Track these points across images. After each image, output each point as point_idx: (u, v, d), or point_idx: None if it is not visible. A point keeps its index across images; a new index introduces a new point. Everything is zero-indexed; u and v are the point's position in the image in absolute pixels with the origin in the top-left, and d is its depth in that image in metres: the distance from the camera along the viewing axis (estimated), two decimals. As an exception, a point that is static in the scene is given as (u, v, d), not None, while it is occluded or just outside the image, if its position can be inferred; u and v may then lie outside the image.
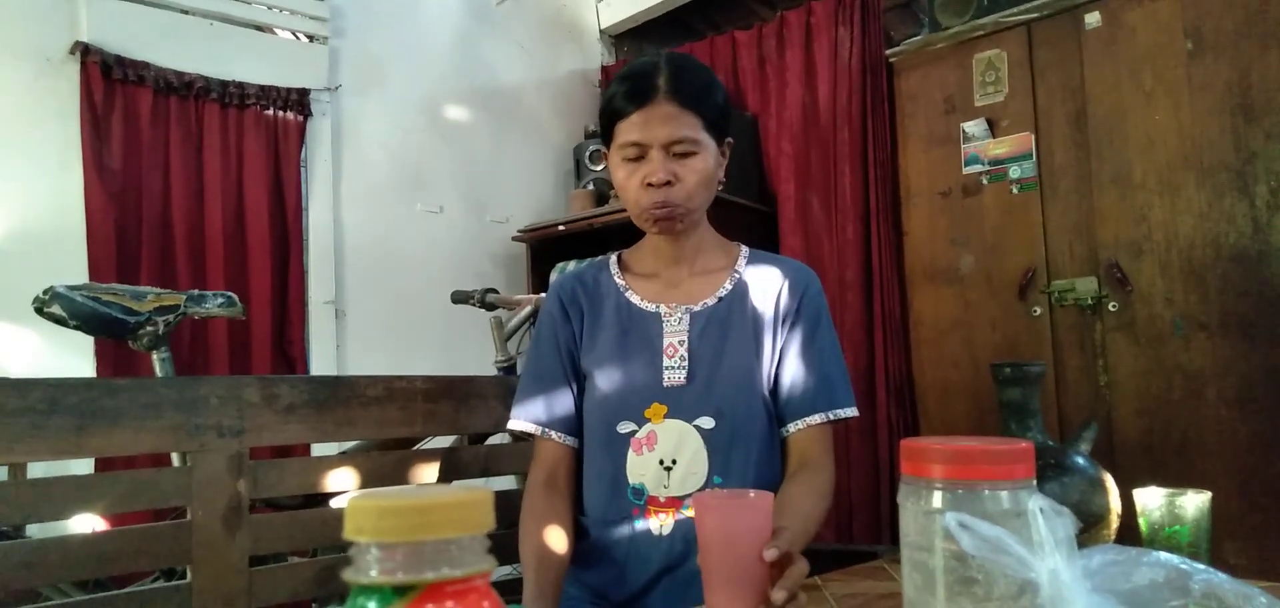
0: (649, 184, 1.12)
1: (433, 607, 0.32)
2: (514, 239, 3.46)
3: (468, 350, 3.02)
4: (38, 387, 1.07)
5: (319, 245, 2.94)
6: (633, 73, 1.14)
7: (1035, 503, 0.51)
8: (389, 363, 3.00)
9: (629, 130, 1.12)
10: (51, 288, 1.25)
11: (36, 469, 1.65)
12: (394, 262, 3.14)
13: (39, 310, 1.25)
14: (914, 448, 0.59)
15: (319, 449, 2.13)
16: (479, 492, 0.35)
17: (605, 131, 1.19)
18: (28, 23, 2.39)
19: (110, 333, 1.32)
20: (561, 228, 3.30)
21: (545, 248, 3.41)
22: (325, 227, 2.96)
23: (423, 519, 0.33)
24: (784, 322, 1.18)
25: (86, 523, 1.75)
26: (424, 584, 0.32)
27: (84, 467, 1.84)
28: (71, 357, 2.35)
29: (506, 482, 1.90)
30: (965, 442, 0.57)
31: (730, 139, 1.20)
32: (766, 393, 1.16)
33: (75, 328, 1.26)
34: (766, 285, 1.20)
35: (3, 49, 2.35)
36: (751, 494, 0.80)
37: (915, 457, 0.59)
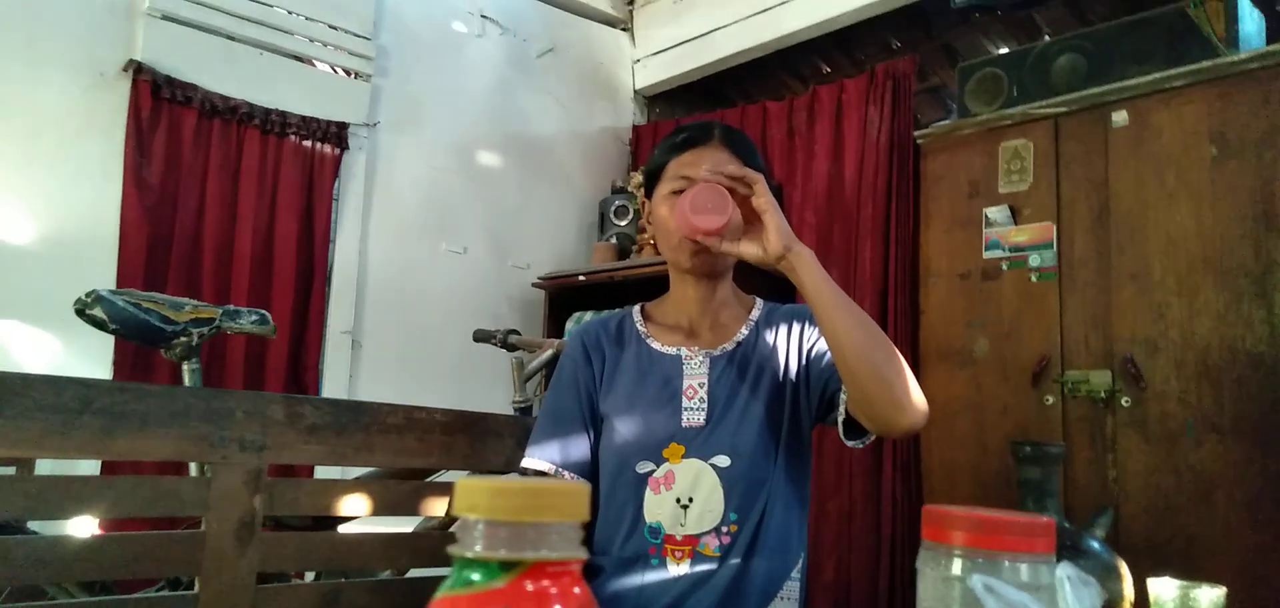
0: None
1: (532, 583, 0.34)
2: (534, 285, 3.50)
3: (477, 391, 3.04)
4: (71, 386, 1.08)
5: (342, 276, 2.99)
6: (688, 126, 1.23)
7: (1063, 572, 0.52)
8: (399, 397, 2.99)
9: (681, 166, 1.19)
10: (95, 291, 1.28)
11: (42, 467, 1.66)
12: (414, 298, 3.18)
13: (80, 312, 1.29)
14: (936, 514, 0.60)
15: (321, 472, 2.14)
16: (579, 485, 0.37)
17: (652, 176, 1.25)
18: (86, 38, 2.48)
19: (146, 340, 1.35)
20: (582, 278, 3.34)
21: (564, 296, 3.44)
22: (350, 258, 3.01)
23: (530, 502, 0.35)
24: (804, 342, 1.22)
25: (84, 525, 1.76)
26: (528, 562, 0.35)
27: (90, 467, 1.86)
28: (89, 362, 2.38)
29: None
30: (988, 512, 0.59)
31: None
32: (803, 403, 1.19)
33: (113, 332, 1.29)
34: (781, 325, 1.24)
35: (59, 61, 2.44)
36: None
37: (937, 522, 0.60)
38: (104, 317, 1.27)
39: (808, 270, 1.06)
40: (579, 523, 0.36)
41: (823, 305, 1.05)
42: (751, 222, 1.10)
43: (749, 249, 1.08)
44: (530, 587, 0.35)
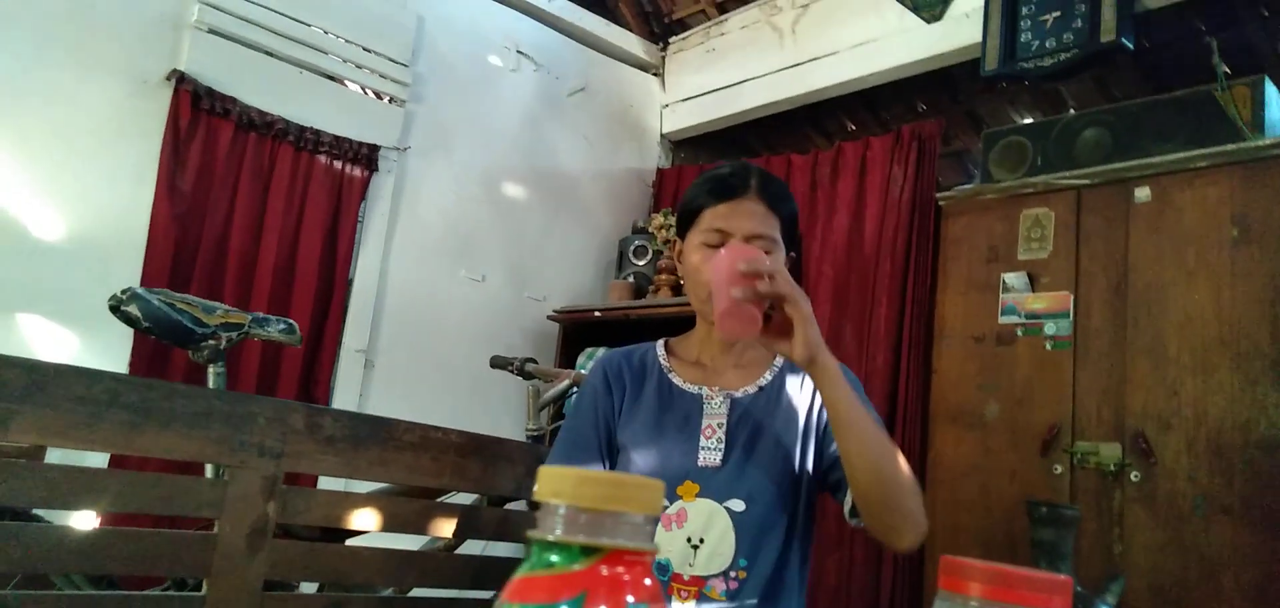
0: None
1: (608, 569, 0.36)
2: (549, 317, 3.52)
3: (486, 417, 3.05)
4: (103, 379, 1.10)
5: (361, 295, 3.02)
6: (724, 172, 1.22)
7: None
8: (407, 418, 3.03)
9: (714, 218, 1.19)
10: (130, 288, 1.31)
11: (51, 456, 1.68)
12: (429, 322, 3.21)
13: (115, 308, 1.31)
14: (955, 564, 0.61)
15: (324, 484, 2.15)
16: (655, 481, 0.38)
17: (685, 220, 1.25)
18: (132, 45, 2.55)
19: (176, 340, 1.37)
20: (597, 314, 3.36)
21: (578, 331, 3.46)
22: (371, 278, 3.05)
23: (611, 492, 0.37)
24: (823, 408, 1.20)
25: (87, 519, 1.77)
26: (606, 549, 0.36)
27: (96, 460, 1.88)
28: (107, 360, 2.42)
29: (515, 550, 1.90)
30: (1007, 566, 0.59)
31: (795, 253, 1.27)
32: (811, 480, 1.18)
33: (145, 330, 1.32)
34: (805, 380, 1.24)
35: (105, 66, 2.51)
36: None
37: (955, 573, 0.61)
38: (138, 314, 1.30)
39: (830, 385, 1.06)
40: (653, 517, 0.38)
41: (840, 420, 1.06)
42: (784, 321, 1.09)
43: (779, 344, 1.08)
44: (605, 572, 0.36)
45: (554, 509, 0.37)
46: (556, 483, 0.37)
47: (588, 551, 0.36)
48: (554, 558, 0.37)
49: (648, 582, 0.37)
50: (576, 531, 0.37)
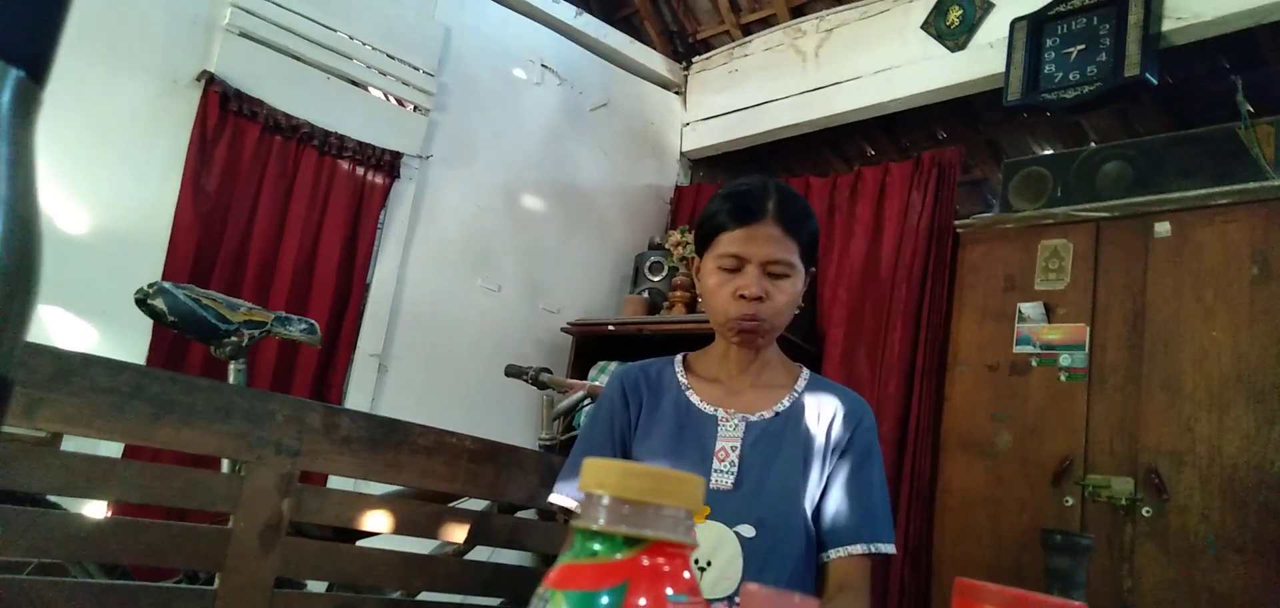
0: (741, 296, 1.16)
1: (649, 560, 0.37)
2: (562, 330, 3.53)
3: (496, 426, 3.05)
4: (127, 370, 1.12)
5: (378, 299, 3.05)
6: (742, 191, 1.20)
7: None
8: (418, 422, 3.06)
9: (731, 243, 1.17)
10: (157, 283, 1.33)
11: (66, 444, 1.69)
12: (443, 329, 3.22)
13: (141, 302, 1.33)
14: (970, 587, 0.61)
15: (335, 485, 2.16)
16: (696, 477, 0.40)
17: (703, 240, 1.24)
18: (165, 45, 2.60)
19: (200, 335, 1.39)
20: (610, 327, 3.37)
21: (590, 344, 3.47)
22: (388, 284, 3.07)
23: (654, 485, 0.38)
24: (835, 450, 1.20)
25: (97, 508, 1.78)
26: (648, 541, 0.38)
27: (111, 450, 1.89)
28: (124, 354, 2.43)
29: (524, 558, 1.90)
30: (1023, 591, 0.60)
31: (815, 268, 1.26)
32: (809, 516, 1.17)
33: (171, 324, 1.34)
34: (822, 411, 1.23)
35: (136, 64, 2.55)
36: (797, 597, 0.82)
37: (970, 595, 0.61)
38: (164, 308, 1.32)
39: None
40: (692, 514, 0.39)
41: None
42: None
43: None
44: (646, 563, 0.37)
45: (598, 500, 0.38)
46: (601, 474, 0.38)
47: (630, 541, 0.37)
48: (597, 547, 0.38)
49: (686, 575, 0.38)
50: (620, 521, 0.38)
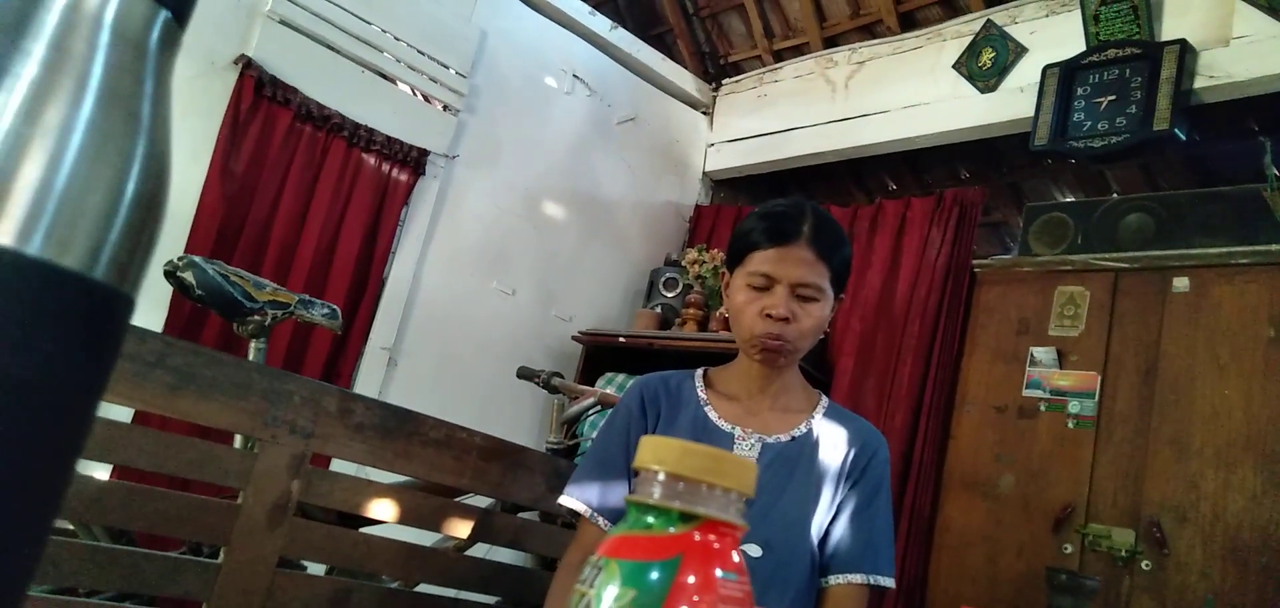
0: (768, 315, 1.17)
1: (701, 536, 0.39)
2: (573, 338, 3.56)
3: (501, 427, 3.05)
4: (153, 339, 1.13)
5: (393, 293, 3.08)
6: (779, 211, 1.21)
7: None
8: (432, 420, 3.08)
9: (763, 262, 1.18)
10: (186, 256, 1.36)
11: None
12: (455, 328, 3.25)
13: (169, 274, 1.36)
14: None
15: (339, 469, 2.18)
16: (748, 461, 0.41)
17: (736, 256, 1.24)
18: (205, 29, 2.65)
19: (224, 311, 1.42)
20: (621, 339, 3.39)
21: (600, 354, 3.49)
22: (404, 279, 3.11)
23: (710, 465, 0.40)
24: (847, 479, 1.21)
25: (99, 474, 1.79)
26: (702, 518, 0.39)
27: (120, 415, 1.90)
28: (137, 325, 2.48)
29: (523, 559, 1.91)
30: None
31: (843, 296, 1.27)
32: (815, 541, 1.18)
33: (197, 298, 1.37)
34: (838, 440, 1.23)
35: (176, 44, 2.60)
36: None
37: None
38: (192, 281, 1.35)
39: None
40: (745, 497, 0.41)
41: None
42: None
43: None
44: (698, 539, 0.39)
45: (654, 475, 0.40)
46: (660, 451, 0.40)
47: (685, 517, 0.39)
48: (651, 520, 0.39)
49: (735, 556, 0.40)
50: (675, 497, 0.39)
